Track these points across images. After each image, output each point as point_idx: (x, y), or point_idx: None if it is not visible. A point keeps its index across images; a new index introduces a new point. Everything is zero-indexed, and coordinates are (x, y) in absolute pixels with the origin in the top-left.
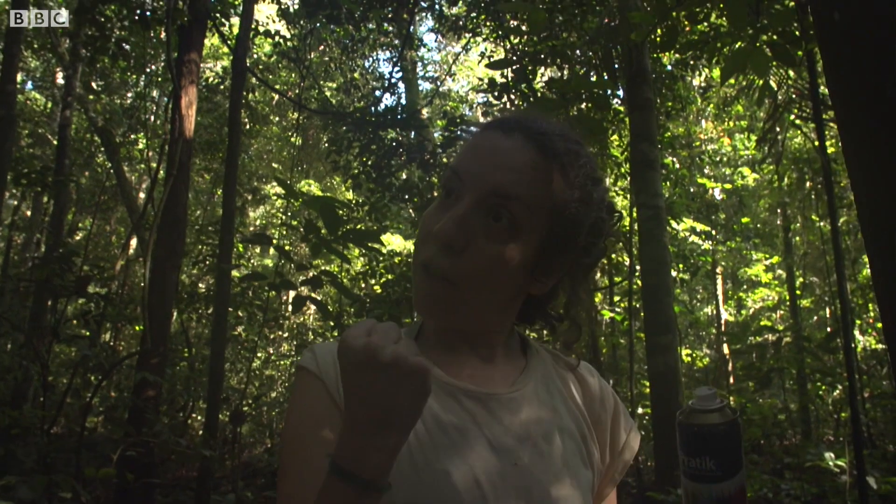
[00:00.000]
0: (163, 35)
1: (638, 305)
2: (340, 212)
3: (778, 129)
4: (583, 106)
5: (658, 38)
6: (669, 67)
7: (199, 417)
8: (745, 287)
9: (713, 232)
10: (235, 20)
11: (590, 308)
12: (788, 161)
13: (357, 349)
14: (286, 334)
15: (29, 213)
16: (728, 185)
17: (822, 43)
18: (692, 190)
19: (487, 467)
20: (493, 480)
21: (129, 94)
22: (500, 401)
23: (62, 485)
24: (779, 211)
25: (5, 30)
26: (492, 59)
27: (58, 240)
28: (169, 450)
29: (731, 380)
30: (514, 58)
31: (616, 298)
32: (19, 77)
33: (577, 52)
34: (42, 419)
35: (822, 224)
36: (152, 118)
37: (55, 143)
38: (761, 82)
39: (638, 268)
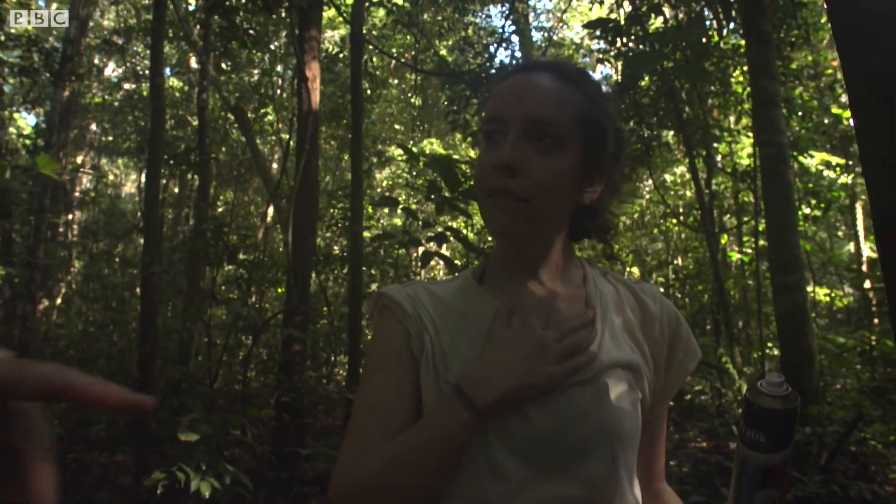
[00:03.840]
0: (283, 13)
1: (766, 246)
2: (463, 167)
3: None
4: (686, 54)
5: None
6: None
7: (340, 372)
8: None
9: (850, 164)
10: None
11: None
12: None
13: (540, 345)
14: None
15: (177, 190)
16: None
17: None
18: (826, 121)
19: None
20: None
21: (256, 72)
22: None
23: (233, 422)
24: None
25: (147, 27)
26: (603, 3)
27: (205, 213)
28: (317, 394)
29: (876, 320)
30: (612, 9)
31: (745, 239)
32: None
33: None
34: (207, 373)
35: None
36: (279, 92)
37: (195, 123)
38: None
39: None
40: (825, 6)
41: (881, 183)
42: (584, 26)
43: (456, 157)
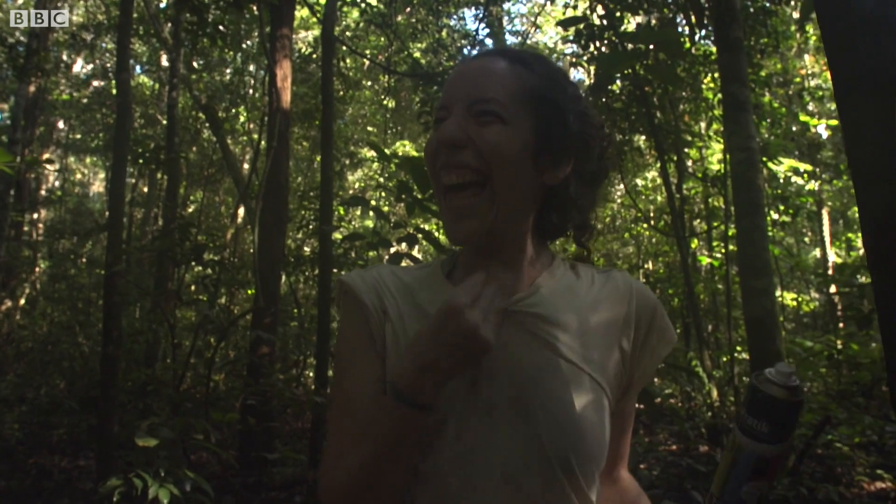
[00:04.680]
0: (256, 12)
1: (735, 250)
2: None
3: None
4: (659, 56)
5: None
6: (767, 4)
7: (310, 374)
8: (855, 227)
9: (817, 171)
10: None
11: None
12: None
13: (460, 319)
14: None
15: (146, 189)
16: (833, 122)
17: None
18: (794, 129)
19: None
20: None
21: (228, 71)
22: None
23: (196, 426)
24: None
25: (117, 23)
26: (577, 8)
27: (174, 213)
28: (285, 398)
29: (841, 325)
30: (586, 13)
31: (715, 244)
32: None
33: None
34: (173, 375)
35: None
36: (251, 91)
37: (164, 122)
38: None
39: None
40: (804, 6)
41: (871, 183)
42: (558, 23)
43: None
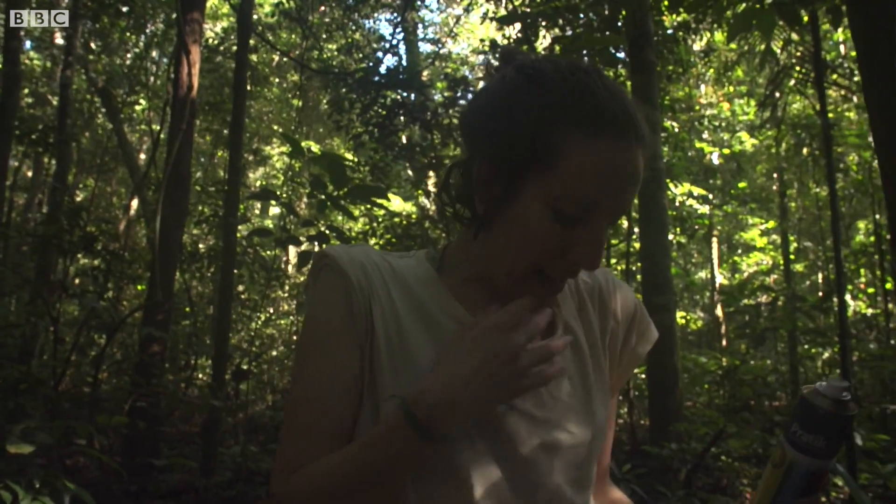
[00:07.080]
0: None
1: (634, 267)
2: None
3: (778, 94)
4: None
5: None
6: (671, 31)
7: (200, 376)
8: (739, 251)
9: (710, 196)
10: None
11: None
12: (787, 126)
13: (512, 352)
14: (286, 294)
15: (30, 174)
16: (726, 150)
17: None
18: (690, 154)
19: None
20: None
21: (129, 55)
22: None
23: (78, 431)
24: (775, 176)
25: None
26: (494, 19)
27: (62, 198)
28: (177, 400)
29: (724, 342)
30: (520, 14)
31: (613, 261)
32: None
33: (580, 14)
34: (52, 373)
35: (817, 190)
36: (153, 79)
37: (55, 103)
38: (763, 47)
39: (636, 229)
40: (731, 28)
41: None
42: (497, 19)
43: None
